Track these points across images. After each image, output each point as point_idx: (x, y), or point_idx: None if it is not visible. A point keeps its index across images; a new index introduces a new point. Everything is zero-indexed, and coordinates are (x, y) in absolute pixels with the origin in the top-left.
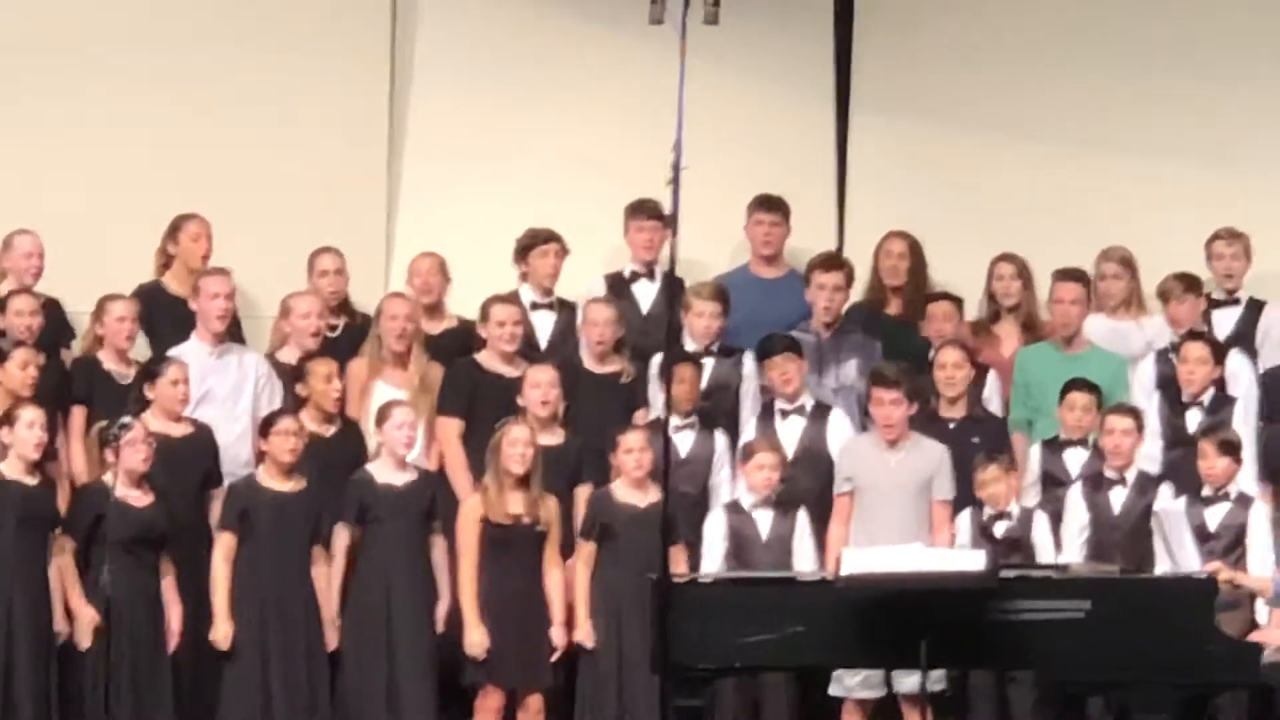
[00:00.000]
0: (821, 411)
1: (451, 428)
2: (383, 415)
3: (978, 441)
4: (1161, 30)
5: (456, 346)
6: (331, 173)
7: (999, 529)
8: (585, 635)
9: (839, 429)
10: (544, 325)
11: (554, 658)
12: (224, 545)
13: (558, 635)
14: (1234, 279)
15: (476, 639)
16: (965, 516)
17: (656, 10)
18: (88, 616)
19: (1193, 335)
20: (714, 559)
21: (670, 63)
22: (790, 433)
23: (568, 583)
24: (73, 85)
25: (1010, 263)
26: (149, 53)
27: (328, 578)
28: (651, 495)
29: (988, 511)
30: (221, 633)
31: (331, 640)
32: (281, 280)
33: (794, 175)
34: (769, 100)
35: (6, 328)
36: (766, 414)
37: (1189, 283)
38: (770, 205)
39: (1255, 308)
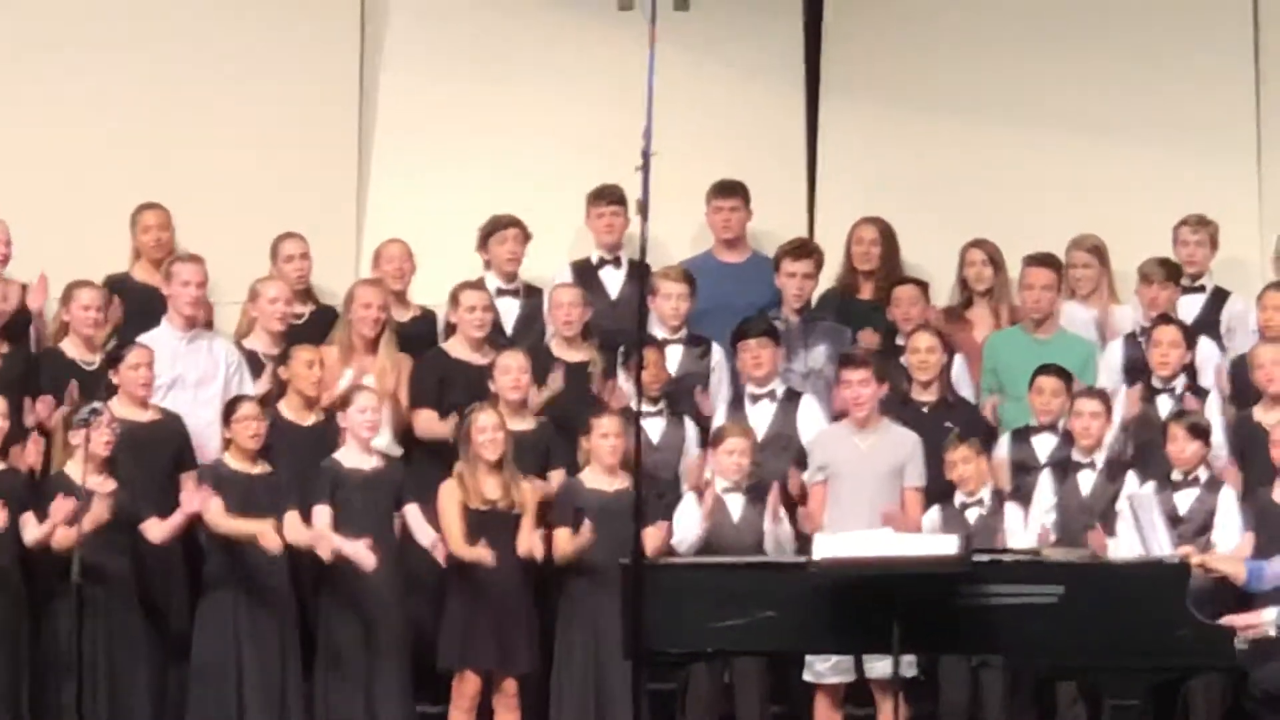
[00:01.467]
0: (792, 397)
1: (428, 417)
2: (346, 400)
3: (949, 426)
4: (1132, 15)
5: (422, 335)
6: (301, 159)
7: (970, 516)
8: (585, 535)
9: (809, 415)
10: (509, 311)
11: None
12: (215, 509)
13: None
14: (1198, 265)
15: (488, 558)
16: (935, 511)
17: None
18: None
19: (1165, 319)
20: (686, 544)
21: (640, 48)
22: (760, 418)
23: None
24: (41, 73)
25: (981, 249)
26: (118, 40)
27: (310, 535)
28: (620, 482)
29: (959, 499)
30: (269, 537)
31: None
32: (251, 266)
33: (764, 161)
34: (739, 86)
35: None
36: (736, 403)
37: (1171, 270)
38: (729, 191)
39: (1219, 296)
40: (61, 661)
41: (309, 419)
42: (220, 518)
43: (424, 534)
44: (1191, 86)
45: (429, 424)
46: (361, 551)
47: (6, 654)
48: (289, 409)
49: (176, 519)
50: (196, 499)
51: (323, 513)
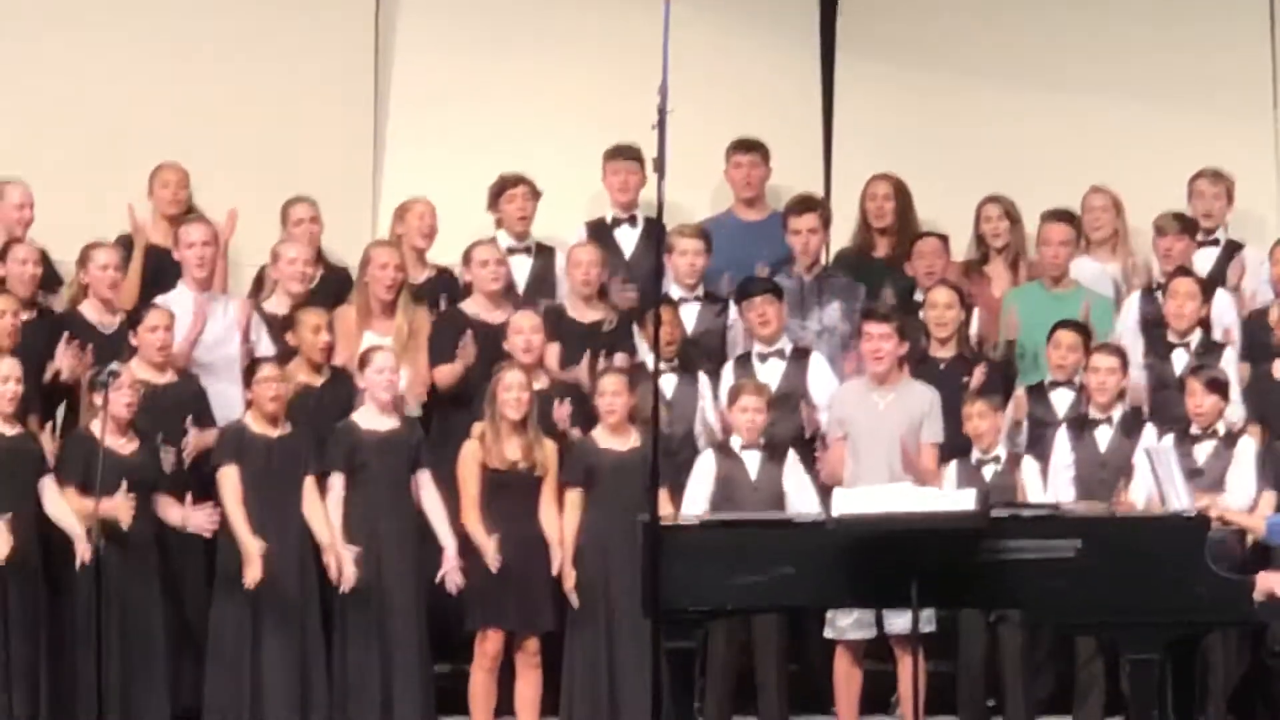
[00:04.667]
0: (800, 354)
1: (449, 372)
2: (363, 361)
3: (968, 381)
4: None
5: (438, 294)
6: (317, 123)
7: (986, 473)
8: (568, 588)
9: (819, 372)
10: (521, 269)
11: (568, 591)
12: (230, 480)
13: (558, 569)
14: (1213, 219)
15: (491, 554)
16: (952, 468)
17: None
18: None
19: (1182, 271)
20: (698, 501)
21: (655, 7)
22: (770, 376)
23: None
24: (58, 36)
25: (997, 204)
26: (137, 5)
27: (322, 515)
28: (633, 440)
29: (976, 455)
30: (253, 551)
31: (345, 570)
32: (267, 232)
33: (780, 120)
34: (754, 44)
35: (8, 276)
36: (744, 361)
37: (1185, 223)
38: (747, 147)
39: (1233, 249)
40: (80, 640)
41: (319, 380)
42: (235, 512)
43: (438, 519)
44: (1208, 42)
45: (449, 375)
46: (348, 566)
47: (25, 634)
48: (299, 371)
49: (192, 517)
50: (205, 520)
51: (337, 481)
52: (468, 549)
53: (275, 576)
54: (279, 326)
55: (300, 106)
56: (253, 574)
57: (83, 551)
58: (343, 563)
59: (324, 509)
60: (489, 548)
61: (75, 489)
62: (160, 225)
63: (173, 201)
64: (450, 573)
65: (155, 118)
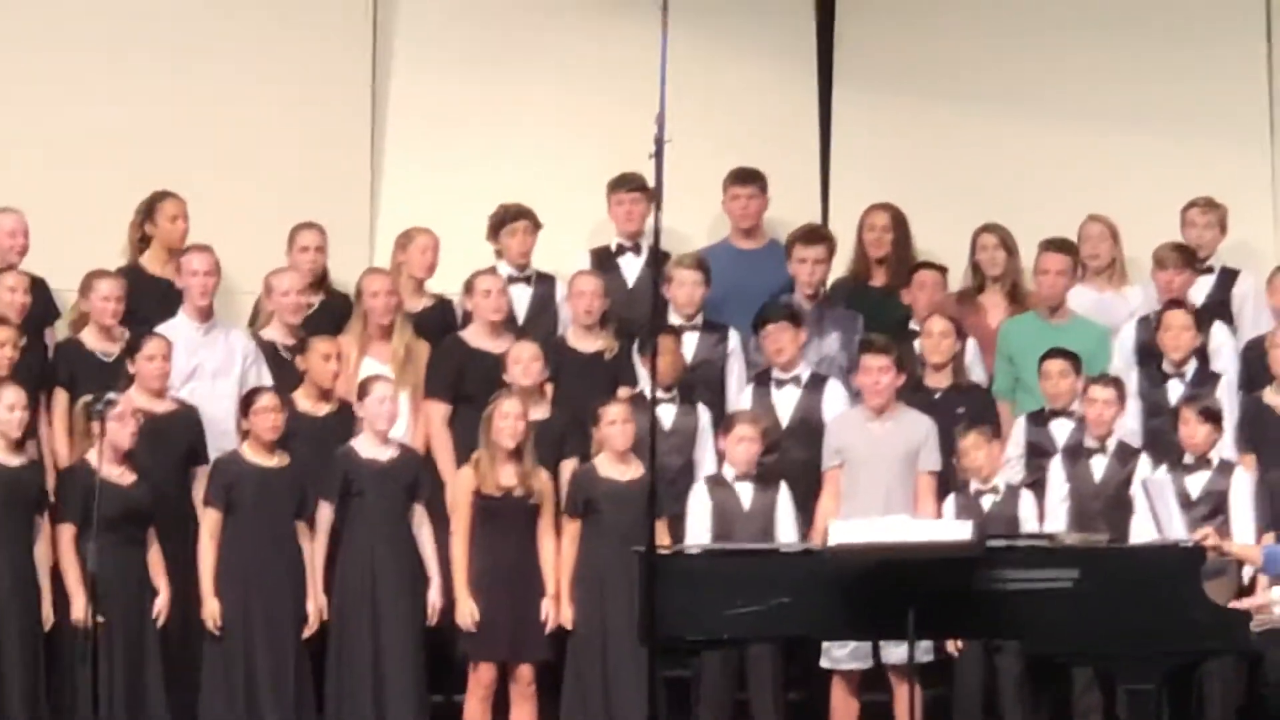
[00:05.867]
0: (817, 382)
1: (438, 412)
2: (363, 390)
3: (963, 411)
4: (1144, 1)
5: (438, 322)
6: (314, 149)
7: (985, 503)
8: (566, 617)
9: (835, 399)
10: (521, 299)
11: (547, 630)
12: (210, 522)
13: (549, 608)
14: (1205, 248)
15: (467, 611)
16: (951, 500)
17: None
18: (83, 601)
19: (1175, 303)
20: (699, 532)
21: (653, 35)
22: (785, 402)
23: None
24: (53, 62)
25: (993, 233)
26: (130, 30)
27: (311, 553)
28: (634, 470)
29: (975, 486)
30: (209, 610)
31: (314, 618)
32: (265, 257)
33: (777, 148)
34: (752, 73)
35: None
36: (762, 383)
37: (1186, 255)
38: (746, 178)
39: (1228, 277)
40: (77, 656)
41: (324, 409)
42: (205, 558)
43: (429, 557)
44: (1203, 70)
45: (434, 420)
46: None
47: (25, 649)
48: (304, 399)
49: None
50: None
51: (325, 511)
52: (470, 582)
53: (269, 603)
54: (274, 355)
55: (298, 132)
56: (210, 620)
57: (77, 610)
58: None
59: (313, 550)
60: (464, 608)
61: (72, 528)
62: (159, 254)
63: (179, 234)
64: (434, 607)
65: (153, 145)
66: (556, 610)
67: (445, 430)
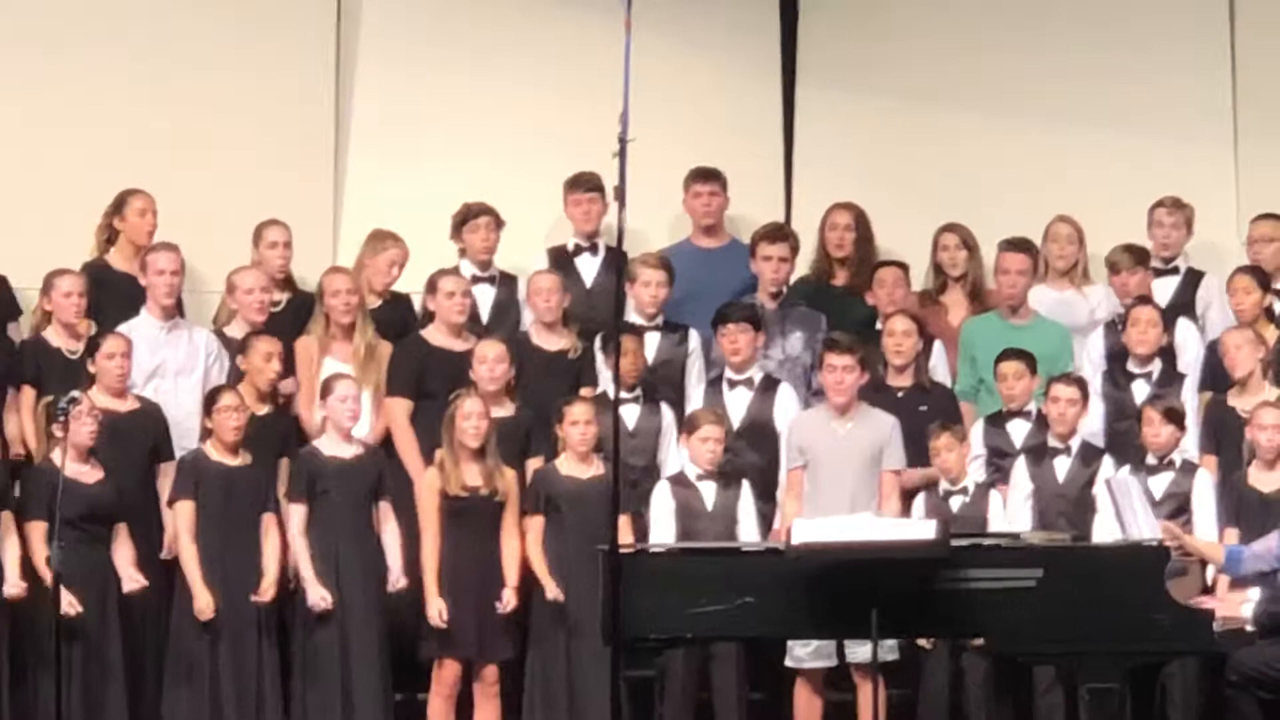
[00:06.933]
0: (769, 384)
1: (401, 408)
2: (326, 389)
3: (925, 410)
4: (1107, 1)
5: (396, 319)
6: (277, 147)
7: (954, 504)
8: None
9: (786, 403)
10: (484, 298)
11: (504, 615)
12: (185, 516)
13: (509, 598)
14: (1170, 249)
15: (435, 610)
16: (920, 500)
17: None
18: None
19: (1142, 300)
20: (663, 530)
21: (616, 35)
22: (737, 404)
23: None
24: (15, 60)
25: (954, 233)
26: (95, 29)
27: (276, 548)
28: (595, 468)
29: (944, 487)
30: (203, 602)
31: (272, 586)
32: (228, 255)
33: (741, 147)
34: (715, 73)
35: None
36: (715, 384)
37: (1138, 255)
38: (707, 176)
39: (1193, 278)
40: (40, 661)
41: (263, 409)
42: (187, 549)
43: (393, 554)
44: (1168, 70)
45: (398, 417)
46: (318, 596)
47: None
48: (245, 396)
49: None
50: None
51: (299, 511)
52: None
53: (234, 604)
54: (235, 353)
55: (260, 131)
56: (204, 613)
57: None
58: (314, 596)
59: (277, 546)
60: (434, 606)
61: (43, 525)
62: (126, 250)
63: (148, 230)
64: (396, 583)
65: (116, 143)
66: (515, 599)
67: (409, 427)
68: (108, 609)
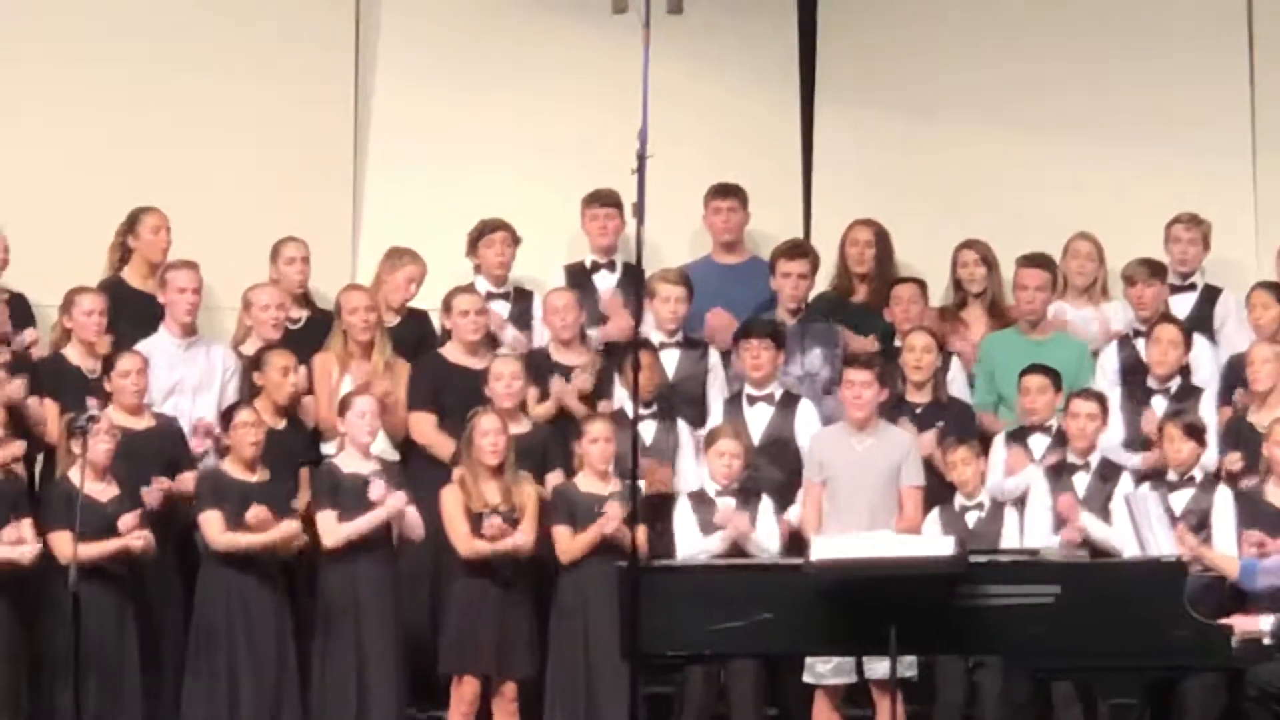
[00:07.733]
0: (790, 400)
1: (427, 421)
2: (344, 405)
3: (943, 426)
4: (1126, 15)
5: (415, 336)
6: (296, 164)
7: (970, 519)
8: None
9: (806, 419)
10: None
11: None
12: (214, 524)
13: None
14: (1188, 264)
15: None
16: (935, 514)
17: None
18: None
19: (1165, 318)
20: (688, 546)
21: (635, 51)
22: (757, 420)
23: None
24: (32, 78)
25: (973, 249)
26: (112, 43)
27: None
28: (612, 485)
29: (959, 502)
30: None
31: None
32: (246, 272)
33: (760, 163)
34: (734, 89)
35: None
36: (735, 400)
37: (1154, 268)
38: (727, 192)
39: (1211, 294)
40: (59, 663)
41: (280, 423)
42: (234, 539)
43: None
44: (1186, 85)
45: (425, 429)
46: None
47: (6, 655)
48: (262, 411)
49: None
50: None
51: (330, 518)
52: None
53: (253, 616)
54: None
55: (279, 148)
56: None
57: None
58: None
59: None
60: (501, 536)
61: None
62: (140, 268)
63: (162, 247)
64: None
65: (135, 160)
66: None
67: (439, 434)
68: (126, 627)
